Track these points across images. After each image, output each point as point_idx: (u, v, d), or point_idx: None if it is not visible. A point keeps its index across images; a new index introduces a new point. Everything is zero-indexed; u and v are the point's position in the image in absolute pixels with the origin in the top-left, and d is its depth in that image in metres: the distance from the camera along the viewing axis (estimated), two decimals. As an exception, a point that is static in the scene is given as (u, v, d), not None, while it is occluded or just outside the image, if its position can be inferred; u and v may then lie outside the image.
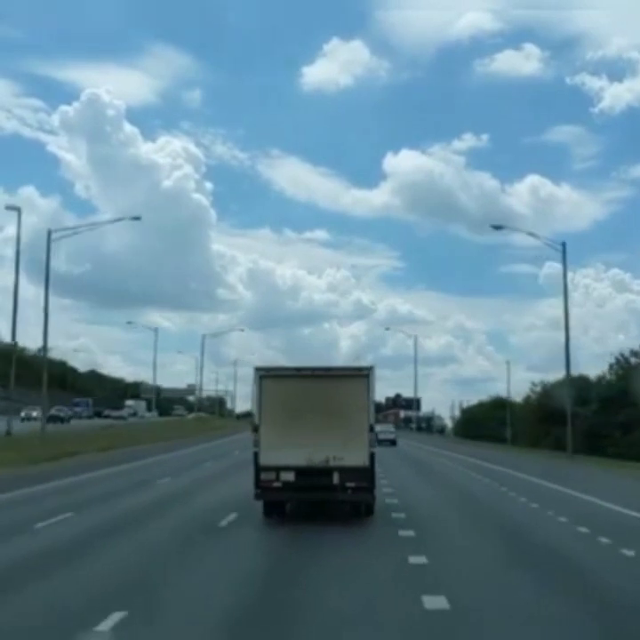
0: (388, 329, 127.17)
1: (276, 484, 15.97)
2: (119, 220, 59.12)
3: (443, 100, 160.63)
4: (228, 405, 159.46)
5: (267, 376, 16.48)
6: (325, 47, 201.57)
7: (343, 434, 15.94)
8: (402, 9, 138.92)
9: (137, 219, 56.25)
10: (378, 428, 24.95)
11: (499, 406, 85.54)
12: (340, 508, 16.87)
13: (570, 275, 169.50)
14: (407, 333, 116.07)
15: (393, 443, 58.32)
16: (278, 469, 15.93)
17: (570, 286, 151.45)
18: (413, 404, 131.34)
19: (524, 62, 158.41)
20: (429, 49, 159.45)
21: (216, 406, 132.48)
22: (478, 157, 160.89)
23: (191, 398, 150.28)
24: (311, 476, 15.89)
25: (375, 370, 16.75)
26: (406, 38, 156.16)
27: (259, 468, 16.00)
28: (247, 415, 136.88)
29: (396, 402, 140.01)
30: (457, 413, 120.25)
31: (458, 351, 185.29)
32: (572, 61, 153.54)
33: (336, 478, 15.88)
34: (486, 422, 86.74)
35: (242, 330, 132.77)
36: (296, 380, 16.55)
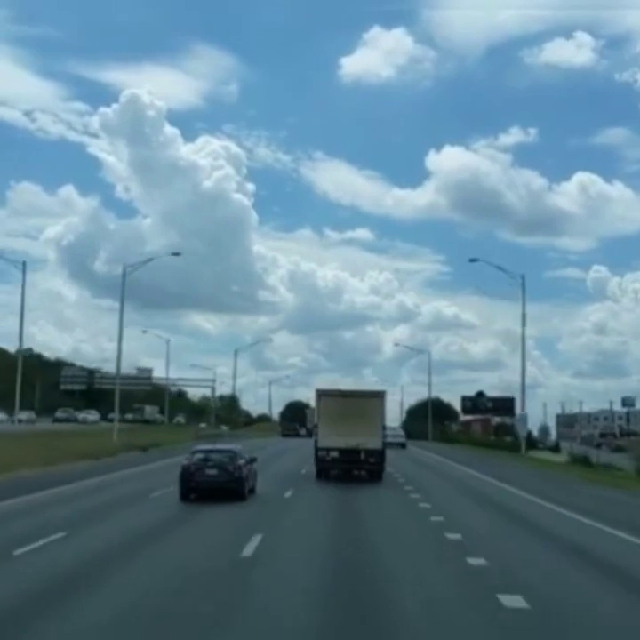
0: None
1: (328, 459, 27.50)
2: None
3: (489, 92, 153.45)
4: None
5: (323, 395, 28.11)
6: (365, 36, 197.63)
7: (367, 430, 27.24)
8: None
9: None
10: (388, 432, 31.70)
11: None
12: (361, 474, 28.26)
13: (616, 279, 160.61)
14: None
15: (402, 446, 58.90)
16: (329, 450, 27.46)
17: (617, 291, 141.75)
18: (507, 405, 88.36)
19: (574, 53, 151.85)
20: (476, 39, 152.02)
21: (227, 409, 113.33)
22: (525, 154, 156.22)
23: (200, 397, 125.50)
24: (348, 454, 27.39)
25: (386, 393, 28.41)
26: (451, 27, 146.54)
27: (317, 449, 27.52)
28: (263, 419, 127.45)
29: (478, 404, 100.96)
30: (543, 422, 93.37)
31: (505, 356, 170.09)
32: (622, 57, 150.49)
33: (362, 455, 27.37)
34: None
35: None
36: (340, 397, 28.09)
